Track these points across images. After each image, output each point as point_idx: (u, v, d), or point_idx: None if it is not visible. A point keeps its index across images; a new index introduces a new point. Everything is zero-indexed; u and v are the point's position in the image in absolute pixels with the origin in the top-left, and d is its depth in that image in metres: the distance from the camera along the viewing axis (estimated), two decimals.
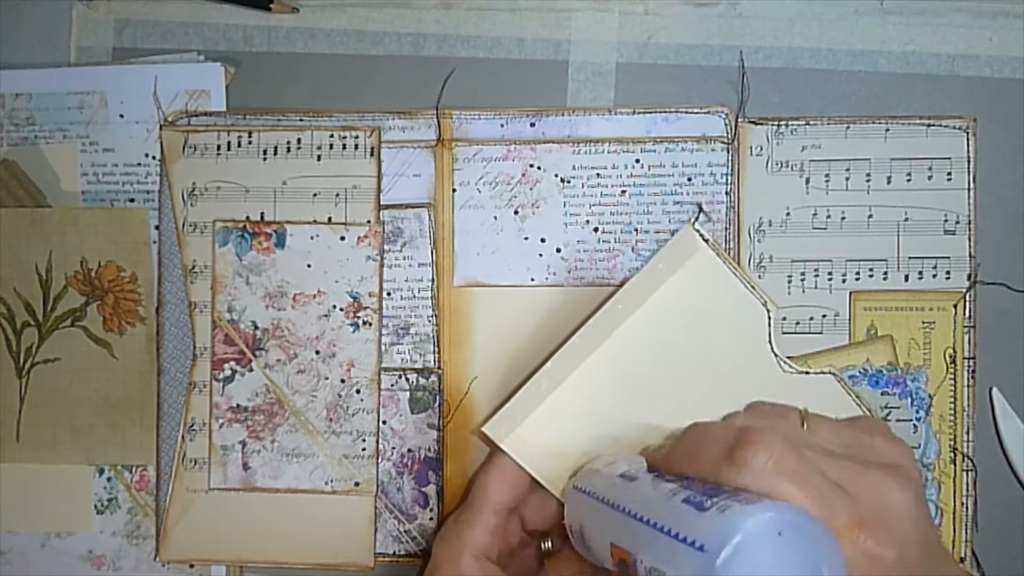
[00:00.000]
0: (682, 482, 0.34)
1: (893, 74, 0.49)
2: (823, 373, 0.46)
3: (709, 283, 0.45)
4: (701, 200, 0.48)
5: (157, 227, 0.50)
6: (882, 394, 0.48)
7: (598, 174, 0.49)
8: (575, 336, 0.45)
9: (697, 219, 0.48)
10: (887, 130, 0.48)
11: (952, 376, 0.48)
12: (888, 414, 0.48)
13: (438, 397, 0.49)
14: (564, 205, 0.49)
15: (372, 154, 0.49)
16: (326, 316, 0.49)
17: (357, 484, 0.49)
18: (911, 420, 0.48)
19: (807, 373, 0.46)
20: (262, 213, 0.50)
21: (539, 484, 0.44)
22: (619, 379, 0.45)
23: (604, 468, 0.40)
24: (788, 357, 0.46)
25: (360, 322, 0.49)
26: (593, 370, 0.45)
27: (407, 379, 0.49)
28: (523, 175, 0.49)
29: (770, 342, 0.45)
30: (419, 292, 0.49)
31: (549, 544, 0.44)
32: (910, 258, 0.48)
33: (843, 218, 0.48)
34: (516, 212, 0.49)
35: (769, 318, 0.45)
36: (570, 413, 0.45)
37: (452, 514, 0.44)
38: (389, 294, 0.49)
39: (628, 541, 0.33)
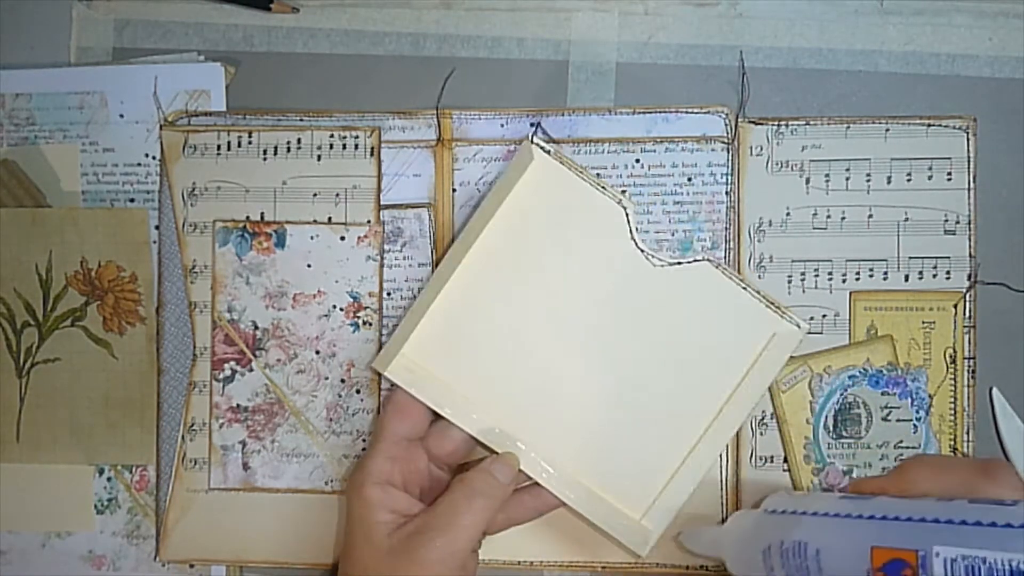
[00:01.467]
0: (922, 499, 0.36)
1: (893, 74, 0.49)
2: (698, 261, 0.46)
3: (555, 189, 0.46)
4: (701, 200, 0.48)
5: (157, 227, 0.50)
6: (882, 394, 0.48)
7: (598, 174, 0.49)
8: (442, 261, 0.46)
9: (534, 134, 0.48)
10: (887, 130, 0.48)
11: (952, 376, 0.48)
12: (888, 414, 0.48)
13: None
14: None
15: (372, 154, 0.49)
16: (326, 316, 0.49)
17: None
18: (911, 420, 0.48)
19: (679, 263, 0.46)
20: (262, 213, 0.50)
21: (437, 415, 0.45)
22: (485, 295, 0.46)
23: (806, 495, 0.43)
24: (708, 259, 0.46)
25: (360, 322, 0.49)
26: (457, 290, 0.46)
27: None
28: None
29: (633, 238, 0.46)
30: (419, 292, 0.49)
31: None
32: (910, 258, 0.48)
33: (843, 218, 0.48)
34: None
35: (627, 214, 0.46)
36: (444, 334, 0.46)
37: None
38: (389, 294, 0.49)
39: (910, 540, 0.34)
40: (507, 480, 0.44)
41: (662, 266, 0.46)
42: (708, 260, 0.46)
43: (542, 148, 0.46)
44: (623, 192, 0.46)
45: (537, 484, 0.45)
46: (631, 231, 0.46)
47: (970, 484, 0.36)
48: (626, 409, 0.46)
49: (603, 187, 0.46)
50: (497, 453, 0.45)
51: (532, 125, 0.49)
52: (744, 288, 0.46)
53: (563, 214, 0.46)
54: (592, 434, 0.46)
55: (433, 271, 0.49)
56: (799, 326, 0.46)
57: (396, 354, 0.46)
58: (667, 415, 0.46)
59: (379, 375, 0.49)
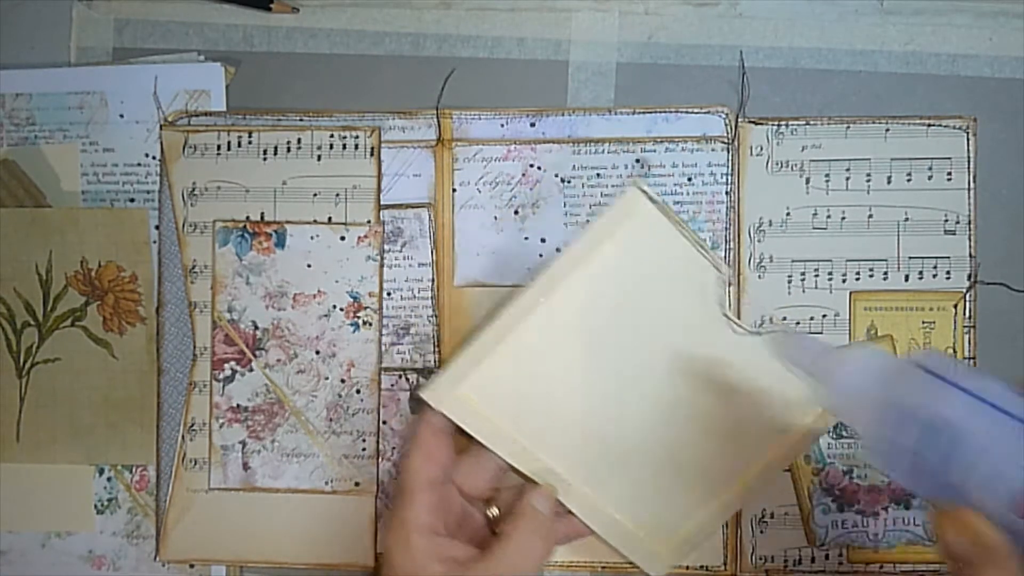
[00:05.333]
0: None
1: (893, 74, 0.49)
2: (775, 331, 0.45)
3: (655, 244, 0.44)
4: (701, 200, 0.48)
5: (157, 227, 0.50)
6: None
7: (598, 174, 0.49)
8: (515, 299, 0.44)
9: (642, 175, 0.47)
10: (887, 130, 0.48)
11: None
12: None
13: None
14: (564, 205, 0.49)
15: (372, 154, 0.49)
16: (326, 316, 0.49)
17: (357, 484, 0.49)
18: None
19: (760, 334, 0.45)
20: (262, 213, 0.50)
21: (469, 451, 0.44)
22: (560, 342, 0.44)
23: (973, 371, 0.34)
24: (783, 321, 0.46)
25: (360, 322, 0.49)
26: (532, 332, 0.44)
27: (407, 379, 0.49)
28: (523, 175, 0.49)
29: (721, 304, 0.44)
30: (419, 292, 0.49)
31: (495, 511, 0.44)
32: (910, 258, 0.48)
33: (843, 218, 0.48)
34: (516, 212, 0.49)
35: (721, 280, 0.44)
36: (508, 374, 0.44)
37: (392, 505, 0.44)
38: (389, 294, 0.49)
39: None
40: (549, 512, 0.43)
41: (743, 333, 0.45)
42: (784, 329, 0.46)
43: (648, 196, 0.44)
44: (723, 258, 0.45)
45: (569, 512, 0.45)
46: (723, 299, 0.44)
47: None
48: (674, 455, 0.45)
49: (702, 247, 0.44)
50: (528, 479, 0.44)
51: (636, 162, 0.48)
52: None
53: (655, 267, 0.44)
54: (634, 474, 0.45)
55: (434, 268, 0.49)
56: None
57: (453, 389, 0.43)
58: (711, 467, 0.45)
59: (379, 377, 0.49)
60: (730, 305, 0.47)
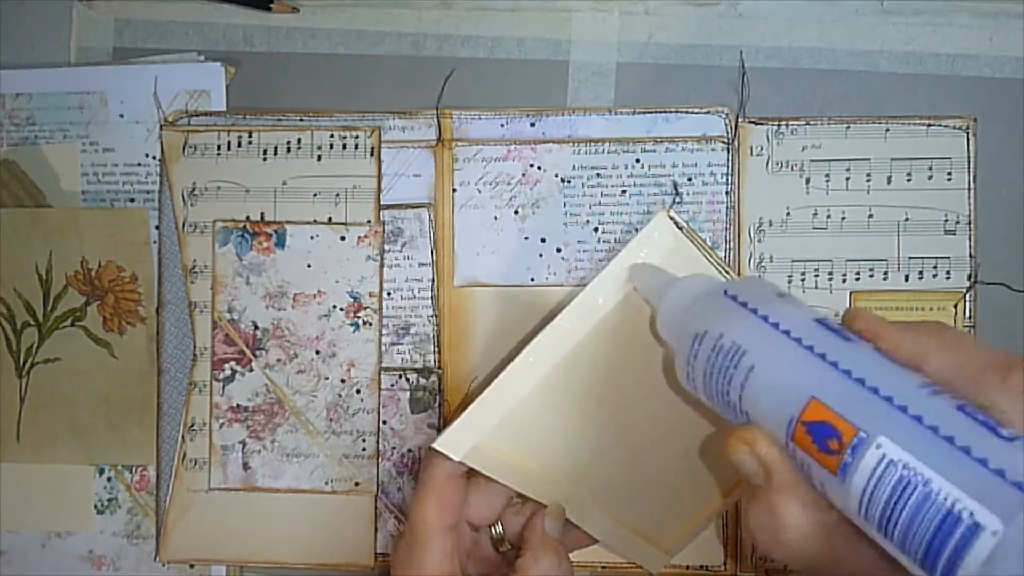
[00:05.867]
0: (921, 376, 0.28)
1: (893, 74, 0.49)
2: None
3: (682, 270, 0.42)
4: (701, 200, 0.48)
5: (157, 227, 0.50)
6: None
7: (598, 174, 0.49)
8: (532, 344, 0.41)
9: (672, 204, 0.46)
10: (887, 130, 0.48)
11: None
12: None
13: (438, 397, 0.49)
14: (564, 205, 0.49)
15: (372, 154, 0.49)
16: (326, 316, 0.49)
17: (357, 484, 0.49)
18: None
19: None
20: (262, 213, 0.50)
21: (475, 483, 0.42)
22: (580, 386, 0.42)
23: (784, 299, 0.33)
24: None
25: (360, 322, 0.49)
26: (552, 383, 0.42)
27: (407, 379, 0.49)
28: (523, 175, 0.49)
29: None
30: (419, 292, 0.49)
31: (500, 529, 0.43)
32: (910, 258, 0.48)
33: (843, 218, 0.48)
34: (516, 212, 0.49)
35: None
36: (527, 417, 0.42)
37: (400, 542, 0.42)
38: (389, 294, 0.49)
39: (859, 413, 0.27)
40: (559, 533, 0.42)
41: None
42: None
43: (676, 224, 0.42)
44: (723, 258, 0.44)
45: (573, 524, 0.44)
46: None
47: (979, 381, 0.28)
48: (678, 467, 0.44)
49: (727, 271, 0.43)
50: (534, 500, 0.43)
51: (673, 193, 0.47)
52: None
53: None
54: (638, 487, 0.45)
55: (434, 268, 0.49)
56: None
57: (472, 439, 0.40)
58: (712, 474, 0.45)
59: (379, 377, 0.49)
60: None
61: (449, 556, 0.41)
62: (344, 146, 0.49)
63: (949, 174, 0.48)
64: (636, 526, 0.45)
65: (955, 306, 0.48)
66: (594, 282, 0.41)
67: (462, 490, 0.42)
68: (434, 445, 0.40)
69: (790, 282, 0.48)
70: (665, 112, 0.49)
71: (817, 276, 0.48)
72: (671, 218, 0.43)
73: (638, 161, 0.48)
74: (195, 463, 0.50)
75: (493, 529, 0.44)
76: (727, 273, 0.43)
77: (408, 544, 0.42)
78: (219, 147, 0.50)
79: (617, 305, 0.42)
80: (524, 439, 0.42)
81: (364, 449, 0.49)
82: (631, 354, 0.43)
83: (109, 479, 0.51)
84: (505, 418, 0.41)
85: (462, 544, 0.42)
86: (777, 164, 0.48)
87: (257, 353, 0.50)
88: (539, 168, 0.49)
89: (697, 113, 0.48)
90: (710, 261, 0.43)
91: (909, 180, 0.48)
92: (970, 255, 0.48)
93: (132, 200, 0.50)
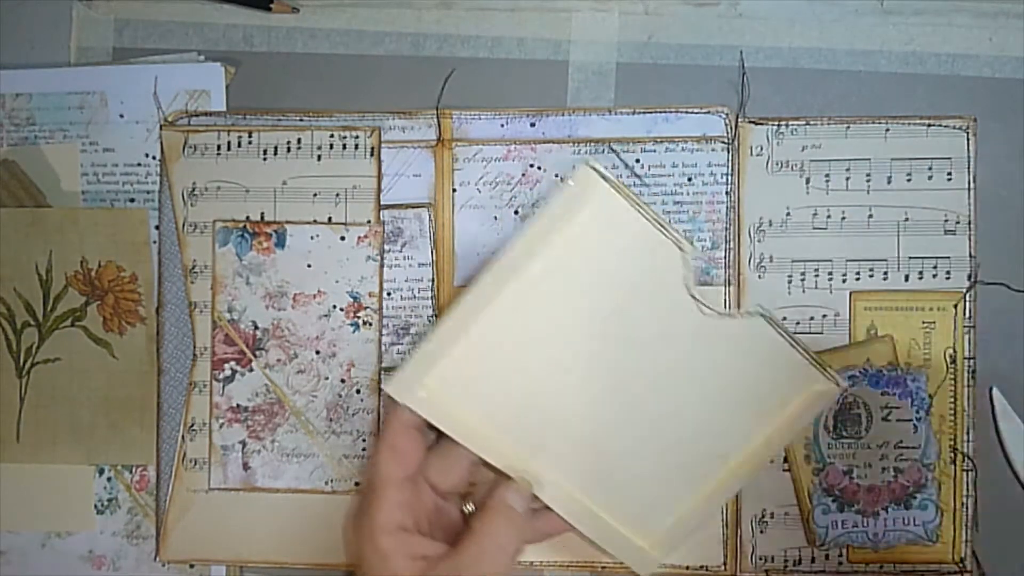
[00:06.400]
0: None
1: (893, 74, 0.49)
2: (750, 314, 0.44)
3: (612, 223, 0.42)
4: (701, 200, 0.48)
5: (157, 227, 0.50)
6: (882, 394, 0.48)
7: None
8: (473, 288, 0.43)
9: (624, 177, 0.46)
10: (887, 130, 0.48)
11: (952, 376, 0.48)
12: (888, 414, 0.48)
13: None
14: None
15: (372, 154, 0.49)
16: (326, 316, 0.49)
17: (357, 484, 0.49)
18: (911, 420, 0.48)
19: (731, 316, 0.44)
20: (262, 213, 0.50)
21: (440, 446, 0.43)
22: (521, 331, 0.43)
23: None
24: (758, 304, 0.46)
25: (360, 322, 0.49)
26: (491, 325, 0.42)
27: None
28: (523, 175, 0.49)
29: (687, 284, 0.43)
30: (419, 292, 0.49)
31: (471, 507, 0.44)
32: (910, 258, 0.48)
33: (843, 218, 0.48)
34: (516, 212, 0.49)
35: (685, 259, 0.43)
36: (473, 365, 0.43)
37: (355, 499, 0.43)
38: (389, 294, 0.49)
39: None
40: (523, 508, 0.42)
41: (713, 315, 0.43)
42: (760, 313, 0.44)
43: (601, 175, 0.42)
44: (685, 235, 0.43)
45: (547, 508, 0.44)
46: (686, 276, 0.43)
47: None
48: (649, 444, 0.44)
49: (663, 225, 0.42)
50: (503, 474, 0.44)
51: (609, 149, 0.47)
52: (792, 344, 0.43)
53: (615, 248, 0.43)
54: (611, 465, 0.45)
55: (434, 268, 0.49)
56: (838, 384, 0.44)
57: (416, 384, 0.43)
58: (690, 454, 0.45)
59: (379, 377, 0.49)
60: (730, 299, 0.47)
61: (400, 507, 0.41)
62: (344, 146, 0.49)
63: (949, 174, 0.48)
64: (617, 515, 0.45)
65: (955, 306, 0.48)
66: (518, 242, 0.42)
67: (418, 444, 0.42)
68: (383, 387, 0.42)
69: (790, 282, 0.48)
70: (665, 112, 0.49)
71: (817, 276, 0.48)
72: (595, 169, 0.42)
73: (638, 161, 0.48)
74: (195, 463, 0.50)
75: (464, 506, 0.44)
76: (663, 227, 0.43)
77: (361, 495, 0.42)
78: (219, 147, 0.50)
79: (547, 260, 0.42)
80: (483, 399, 0.43)
81: (364, 449, 0.49)
82: (579, 310, 0.43)
83: (109, 479, 0.51)
84: (457, 367, 0.42)
85: (421, 503, 0.43)
86: (777, 164, 0.48)
87: (257, 353, 0.50)
88: (539, 168, 0.49)
89: (697, 113, 0.48)
90: (642, 214, 0.42)
91: (909, 180, 0.48)
92: (970, 255, 0.48)
93: (132, 200, 0.50)
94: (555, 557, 0.49)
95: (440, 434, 0.43)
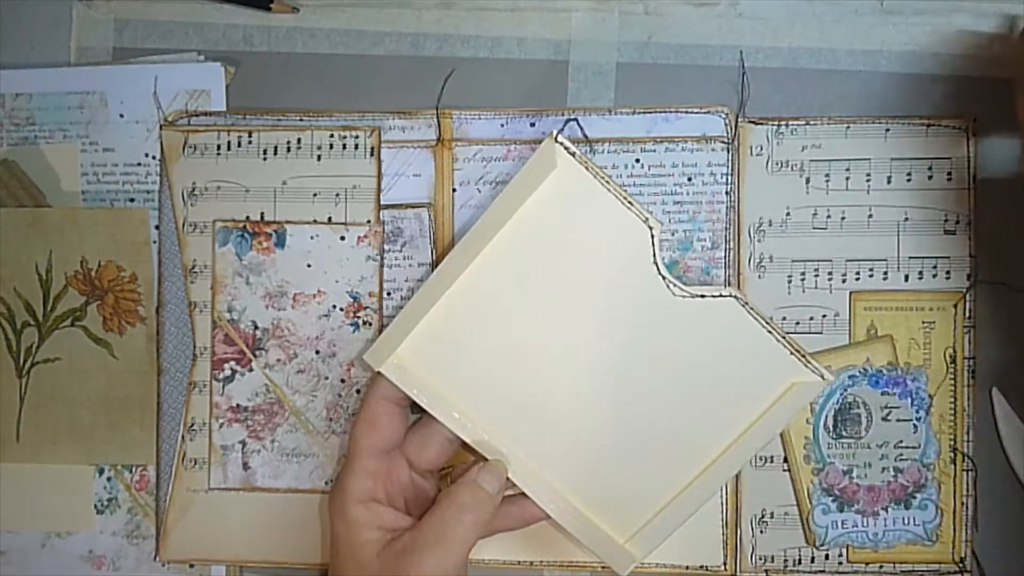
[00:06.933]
0: None
1: (893, 74, 0.49)
2: (721, 296, 0.43)
3: (577, 197, 0.43)
4: (701, 200, 0.48)
5: (157, 227, 0.50)
6: (882, 394, 0.48)
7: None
8: (445, 259, 0.44)
9: (561, 131, 0.46)
10: (887, 130, 0.48)
11: (952, 376, 0.48)
12: (888, 414, 0.48)
13: None
14: None
15: (372, 154, 0.49)
16: (326, 316, 0.49)
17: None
18: (911, 420, 0.48)
19: (703, 297, 0.43)
20: (262, 213, 0.50)
21: (419, 423, 0.44)
22: (490, 301, 0.43)
23: None
24: (730, 286, 0.45)
25: (360, 322, 0.49)
26: (461, 294, 0.43)
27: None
28: None
29: (655, 263, 0.43)
30: (419, 286, 0.49)
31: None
32: (910, 258, 0.48)
33: (843, 218, 0.48)
34: None
35: (652, 236, 0.43)
36: (442, 337, 0.43)
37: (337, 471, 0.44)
38: (389, 294, 0.49)
39: None
40: (495, 491, 0.42)
41: (683, 296, 0.43)
42: (735, 296, 0.43)
43: (567, 149, 0.43)
44: (650, 211, 0.43)
45: (523, 494, 0.44)
46: (654, 254, 0.43)
47: None
48: (625, 433, 0.44)
49: (629, 202, 0.43)
50: (482, 457, 0.44)
51: (571, 120, 0.46)
52: (769, 331, 0.43)
53: (582, 224, 0.43)
54: (586, 452, 0.44)
55: (434, 268, 0.49)
56: (823, 377, 0.43)
57: (391, 351, 0.44)
58: (667, 446, 0.44)
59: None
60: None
61: (372, 478, 0.42)
62: (344, 146, 0.49)
63: (949, 174, 0.48)
64: (592, 507, 0.44)
65: (955, 306, 0.48)
66: (485, 215, 0.43)
67: (397, 418, 0.43)
68: (363, 356, 0.44)
69: (790, 282, 0.48)
70: (665, 112, 0.49)
71: (817, 276, 0.48)
72: (560, 143, 0.43)
73: (638, 161, 0.48)
74: (195, 463, 0.50)
75: (442, 486, 0.44)
76: (629, 203, 0.43)
77: (340, 469, 0.42)
78: (219, 147, 0.50)
79: (513, 234, 0.43)
80: (454, 371, 0.43)
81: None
82: (547, 285, 0.43)
83: (109, 479, 0.51)
84: (428, 336, 0.43)
85: (396, 478, 0.43)
86: (777, 164, 0.48)
87: (257, 353, 0.50)
88: None
89: (697, 113, 0.48)
90: (609, 190, 0.43)
91: (909, 180, 0.48)
92: (970, 255, 0.48)
93: (132, 200, 0.50)
94: (555, 557, 0.49)
95: (422, 412, 0.44)
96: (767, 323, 0.43)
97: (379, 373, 0.44)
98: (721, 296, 0.43)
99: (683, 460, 0.44)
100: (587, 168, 0.43)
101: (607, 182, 0.43)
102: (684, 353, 0.44)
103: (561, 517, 0.44)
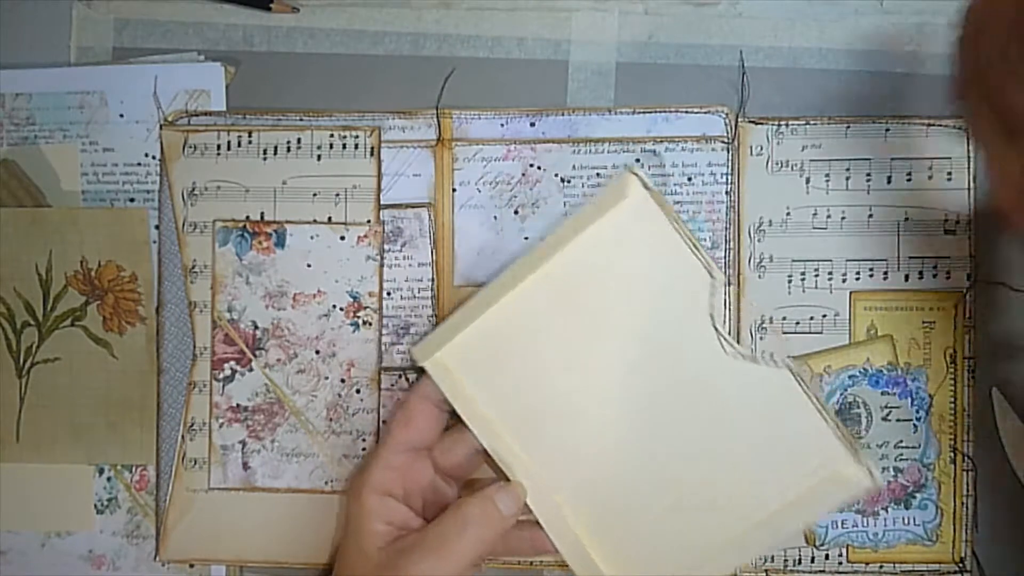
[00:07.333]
0: None
1: (893, 74, 0.49)
2: (775, 364, 0.42)
3: (644, 234, 0.42)
4: (701, 199, 0.48)
5: (157, 227, 0.50)
6: (882, 394, 0.48)
7: (598, 174, 0.49)
8: (504, 271, 0.44)
9: (639, 162, 0.46)
10: (887, 130, 0.48)
11: (952, 376, 0.48)
12: (888, 414, 0.48)
13: None
14: (564, 205, 0.49)
15: (372, 154, 0.49)
16: (326, 316, 0.49)
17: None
18: (911, 420, 0.48)
19: (755, 360, 0.42)
20: (262, 213, 0.50)
21: (452, 428, 0.44)
22: (538, 322, 0.43)
23: None
24: (789, 357, 0.46)
25: (360, 322, 0.49)
26: (513, 308, 0.42)
27: (407, 379, 0.49)
28: (523, 175, 0.49)
29: (712, 315, 0.42)
30: (419, 292, 0.49)
31: None
32: (910, 258, 0.48)
33: (843, 218, 0.48)
34: (516, 212, 0.49)
35: (714, 287, 0.42)
36: (490, 346, 0.43)
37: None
38: (389, 294, 0.49)
39: None
40: (508, 512, 0.41)
41: (735, 356, 0.42)
42: (789, 367, 0.41)
43: (643, 183, 0.42)
44: (716, 262, 0.42)
45: (538, 523, 0.43)
46: (712, 306, 0.42)
47: None
48: (651, 484, 0.42)
49: (696, 247, 0.42)
50: (504, 476, 0.43)
51: (648, 151, 0.45)
52: (820, 412, 0.41)
53: (643, 260, 0.42)
54: (608, 497, 0.42)
55: (433, 268, 0.49)
56: (871, 475, 0.40)
57: (438, 349, 0.44)
58: (692, 510, 0.42)
59: (379, 377, 0.49)
60: (727, 317, 0.47)
61: (394, 471, 0.42)
62: (344, 146, 0.49)
63: (949, 174, 0.48)
64: (604, 552, 0.42)
65: (955, 306, 0.48)
66: (552, 236, 0.43)
67: (432, 419, 0.43)
68: (412, 348, 0.45)
69: (790, 282, 0.48)
70: (665, 112, 0.49)
71: (817, 276, 0.48)
72: (638, 176, 0.42)
73: (638, 161, 0.48)
74: (195, 463, 0.50)
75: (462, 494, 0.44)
76: (697, 250, 0.42)
77: (368, 453, 0.44)
78: (219, 147, 0.50)
79: (574, 258, 0.42)
80: (493, 384, 0.43)
81: (364, 449, 0.49)
82: (599, 316, 0.42)
83: (109, 479, 0.51)
84: (473, 343, 0.42)
85: (418, 477, 0.43)
86: (777, 164, 0.48)
87: (257, 353, 0.50)
88: (539, 168, 0.49)
89: (697, 113, 0.48)
90: (678, 232, 0.42)
91: (909, 180, 0.48)
92: (970, 255, 0.48)
93: (132, 200, 0.50)
94: (555, 557, 0.49)
95: (456, 418, 0.44)
96: (819, 404, 0.41)
97: (423, 371, 0.44)
98: (775, 364, 0.41)
99: (706, 528, 0.42)
100: (660, 206, 0.42)
101: (677, 223, 0.42)
102: (725, 414, 0.41)
103: (570, 557, 0.42)
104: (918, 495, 0.48)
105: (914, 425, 0.48)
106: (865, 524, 0.48)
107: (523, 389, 0.43)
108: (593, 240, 0.42)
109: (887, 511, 0.48)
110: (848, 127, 0.48)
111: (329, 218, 0.49)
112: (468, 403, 0.43)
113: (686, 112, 0.48)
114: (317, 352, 0.49)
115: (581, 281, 0.42)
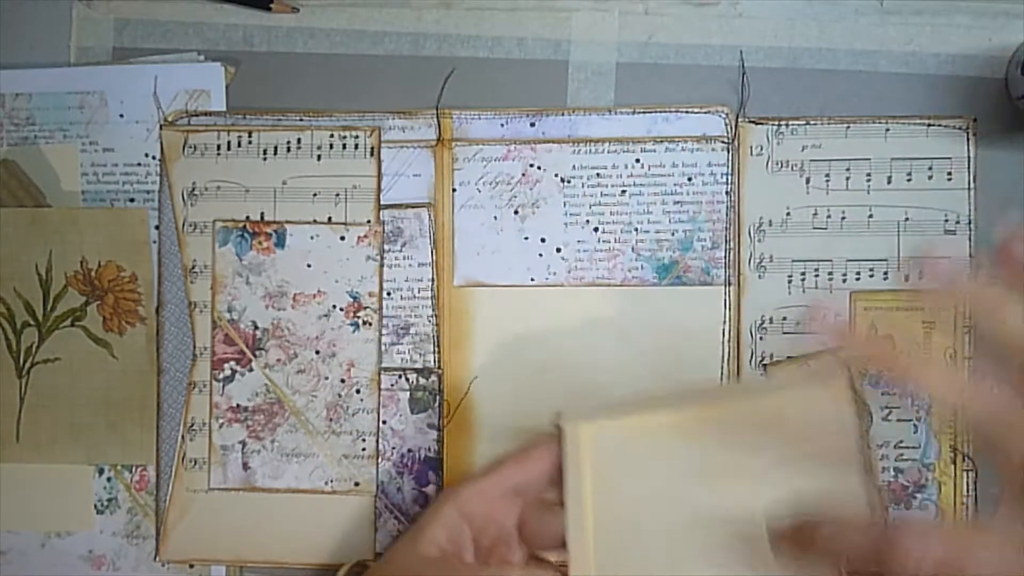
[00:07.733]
0: None
1: (893, 74, 0.49)
2: None
3: (821, 424, 0.38)
4: (701, 200, 0.48)
5: (157, 227, 0.50)
6: (882, 394, 0.48)
7: (598, 174, 0.49)
8: (701, 384, 0.42)
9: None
10: (887, 130, 0.48)
11: None
12: (888, 414, 0.48)
13: (438, 397, 0.49)
14: (564, 205, 0.49)
15: (372, 154, 0.49)
16: (326, 316, 0.49)
17: (357, 484, 0.49)
18: (911, 420, 0.48)
19: None
20: (262, 213, 0.50)
21: (552, 505, 0.40)
22: (677, 459, 0.39)
23: None
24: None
25: (360, 322, 0.49)
26: (683, 425, 0.39)
27: (407, 379, 0.49)
28: (523, 175, 0.49)
29: None
30: (419, 292, 0.49)
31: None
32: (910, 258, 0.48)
33: (843, 218, 0.48)
34: (516, 212, 0.49)
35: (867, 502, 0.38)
36: (635, 447, 0.40)
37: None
38: (389, 294, 0.49)
39: None
40: None
41: None
42: None
43: (850, 379, 0.39)
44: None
45: None
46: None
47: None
48: None
49: (870, 469, 0.40)
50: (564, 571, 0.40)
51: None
52: None
53: (813, 455, 0.38)
54: None
55: (433, 268, 0.49)
56: None
57: (584, 419, 0.40)
58: None
59: (379, 377, 0.49)
60: (727, 317, 0.47)
61: (485, 501, 0.40)
62: (344, 146, 0.49)
63: (949, 174, 0.48)
64: None
65: (955, 306, 0.48)
66: (745, 380, 0.41)
67: (544, 473, 0.41)
68: (560, 420, 0.40)
69: (790, 282, 0.48)
70: (665, 112, 0.49)
71: (817, 276, 0.48)
72: (848, 370, 0.39)
73: (638, 161, 0.48)
74: (195, 463, 0.50)
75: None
76: (868, 471, 0.39)
77: (481, 466, 0.42)
78: (219, 147, 0.50)
79: (742, 407, 0.39)
80: (606, 492, 0.40)
81: (364, 449, 0.49)
82: (743, 474, 0.38)
83: (109, 479, 0.51)
84: (615, 441, 0.39)
85: (494, 520, 0.41)
86: (777, 164, 0.48)
87: (257, 353, 0.50)
88: (539, 168, 0.49)
89: (697, 113, 0.48)
90: (861, 450, 0.38)
91: (909, 180, 0.48)
92: (970, 255, 0.48)
93: (132, 200, 0.51)
94: (555, 557, 0.48)
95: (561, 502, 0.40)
96: None
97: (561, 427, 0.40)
98: None
99: None
100: (859, 417, 0.38)
101: (865, 434, 0.40)
102: None
103: None
104: (918, 495, 0.48)
105: (914, 425, 0.48)
106: None
107: (634, 504, 0.40)
108: (771, 407, 0.39)
109: (887, 511, 0.48)
110: (848, 127, 0.48)
111: (329, 218, 0.49)
112: (578, 483, 0.40)
113: (686, 112, 0.48)
114: (317, 352, 0.49)
115: (734, 440, 0.39)
